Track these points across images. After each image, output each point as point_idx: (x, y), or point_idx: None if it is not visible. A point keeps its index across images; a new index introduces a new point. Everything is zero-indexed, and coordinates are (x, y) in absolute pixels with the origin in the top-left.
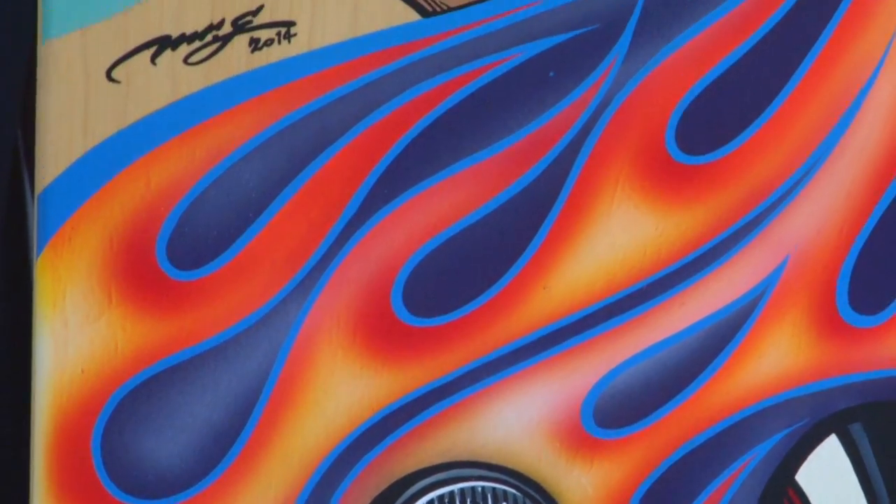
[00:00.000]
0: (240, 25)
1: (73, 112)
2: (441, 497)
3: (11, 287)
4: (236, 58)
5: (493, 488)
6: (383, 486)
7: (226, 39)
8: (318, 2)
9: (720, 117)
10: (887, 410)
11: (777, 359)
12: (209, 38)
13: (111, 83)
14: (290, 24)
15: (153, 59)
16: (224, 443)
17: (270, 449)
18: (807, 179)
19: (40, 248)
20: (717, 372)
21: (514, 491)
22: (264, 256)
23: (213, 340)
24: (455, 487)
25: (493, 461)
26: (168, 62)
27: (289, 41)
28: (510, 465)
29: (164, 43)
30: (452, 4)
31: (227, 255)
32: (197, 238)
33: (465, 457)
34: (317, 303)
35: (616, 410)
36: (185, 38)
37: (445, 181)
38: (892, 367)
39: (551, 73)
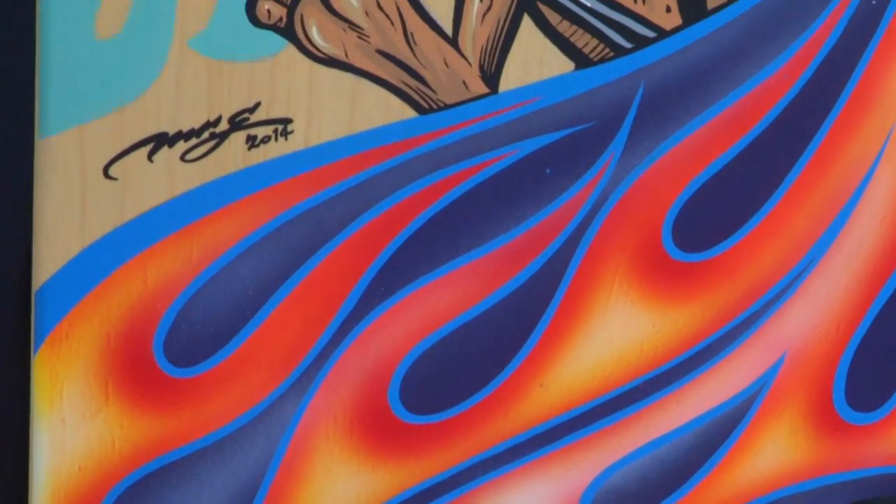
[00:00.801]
0: (237, 122)
1: (70, 209)
2: None
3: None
4: (233, 155)
5: None
6: None
7: (223, 136)
8: (314, 98)
9: (717, 214)
10: None
11: (774, 456)
12: (206, 135)
13: (108, 180)
14: (286, 120)
15: (150, 156)
16: None
17: None
18: (804, 276)
19: (37, 345)
20: (714, 469)
21: None
22: (261, 353)
23: (211, 437)
24: None
25: None
26: (165, 159)
27: (286, 138)
28: None
29: (160, 140)
30: (449, 101)
31: (224, 351)
32: (194, 335)
33: None
34: (314, 400)
35: None
36: (182, 136)
37: (442, 278)
38: (889, 463)
39: (548, 171)
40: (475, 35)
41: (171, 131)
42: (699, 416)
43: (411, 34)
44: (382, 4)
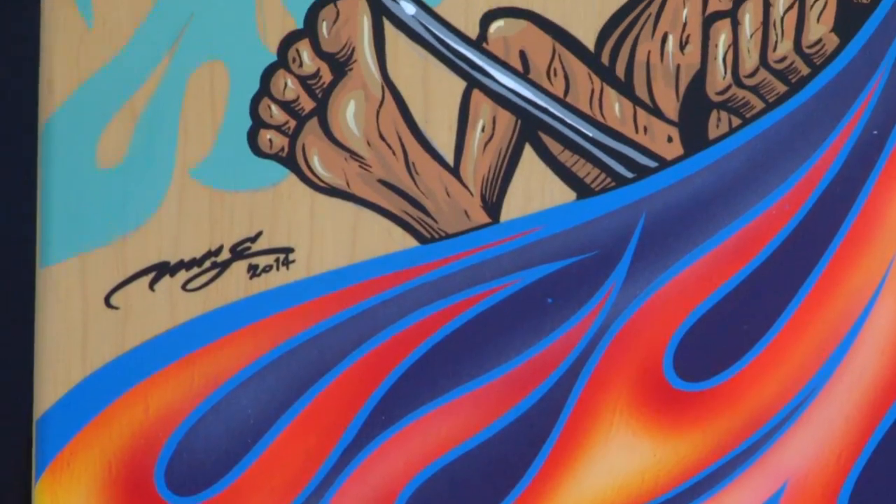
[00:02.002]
0: (238, 252)
1: (72, 338)
2: None
3: None
4: (235, 284)
5: None
6: None
7: (224, 266)
8: (316, 228)
9: (718, 344)
10: None
11: None
12: (207, 264)
13: (109, 309)
14: (288, 250)
15: (151, 285)
16: None
17: None
18: (805, 405)
19: (39, 473)
20: None
21: None
22: (263, 483)
23: None
24: None
25: None
26: (166, 288)
27: (287, 267)
28: None
29: (162, 269)
30: (451, 231)
31: (225, 480)
32: (196, 464)
33: None
34: None
35: None
36: (183, 265)
37: (444, 407)
38: None
39: (549, 300)
40: (477, 165)
41: (173, 260)
42: None
43: (413, 164)
44: (384, 134)
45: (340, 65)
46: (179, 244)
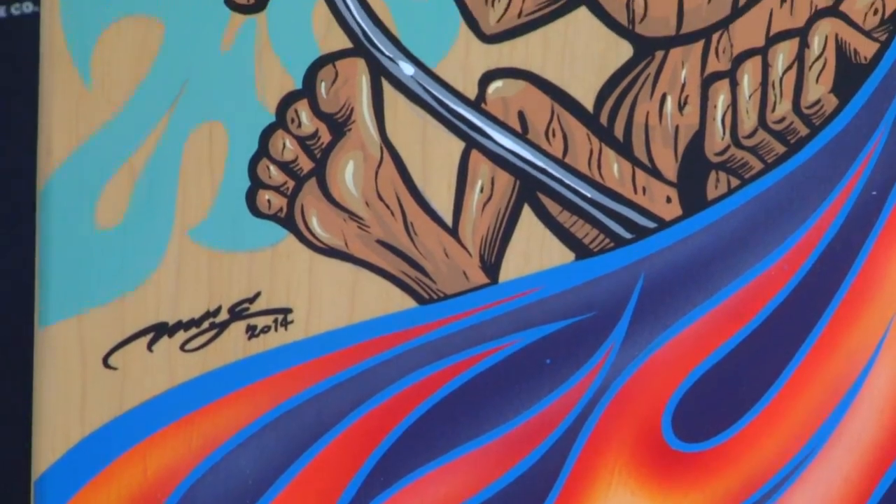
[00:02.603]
0: (237, 312)
1: (70, 398)
2: None
3: None
4: (233, 345)
5: None
6: None
7: (223, 326)
8: (315, 288)
9: (717, 405)
10: None
11: None
12: (206, 325)
13: (108, 369)
14: (286, 310)
15: (150, 346)
16: None
17: None
18: (804, 466)
19: None
20: None
21: None
22: None
23: None
24: None
25: None
26: (165, 349)
27: (285, 328)
28: None
29: (160, 330)
30: (449, 292)
31: None
32: None
33: None
34: None
35: None
36: (181, 325)
37: (442, 468)
38: None
39: (548, 361)
40: (475, 225)
41: (171, 321)
42: None
43: (411, 224)
44: (383, 194)
45: (339, 125)
46: (178, 305)
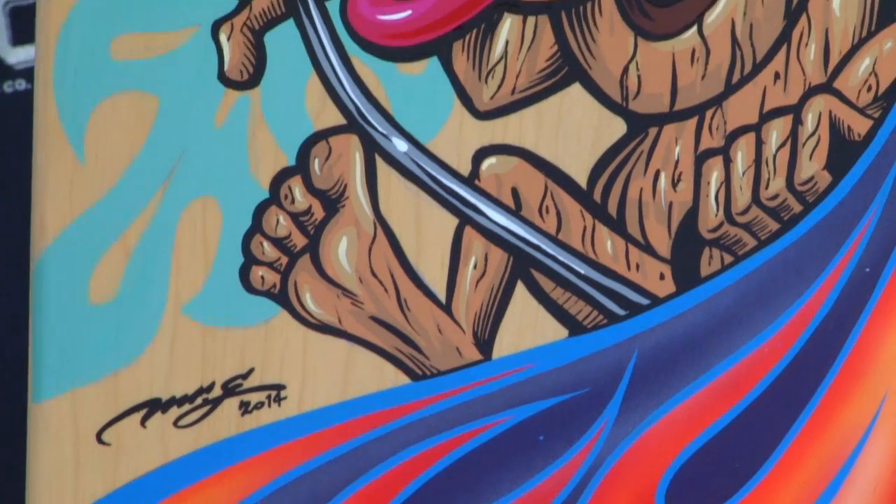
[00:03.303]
0: (230, 388)
1: (63, 474)
2: None
3: None
4: (226, 421)
5: None
6: None
7: (216, 402)
8: (308, 364)
9: (711, 482)
10: None
11: None
12: (199, 401)
13: (101, 445)
14: (280, 387)
15: (143, 421)
16: None
17: None
18: None
19: None
20: None
21: None
22: None
23: None
24: None
25: None
26: (158, 425)
27: (279, 404)
28: None
29: (154, 406)
30: (442, 368)
31: None
32: None
33: None
34: None
35: None
36: (175, 401)
37: None
38: None
39: (541, 437)
40: (469, 302)
41: (165, 397)
42: None
43: (405, 301)
44: (376, 271)
45: (333, 201)
46: (171, 381)
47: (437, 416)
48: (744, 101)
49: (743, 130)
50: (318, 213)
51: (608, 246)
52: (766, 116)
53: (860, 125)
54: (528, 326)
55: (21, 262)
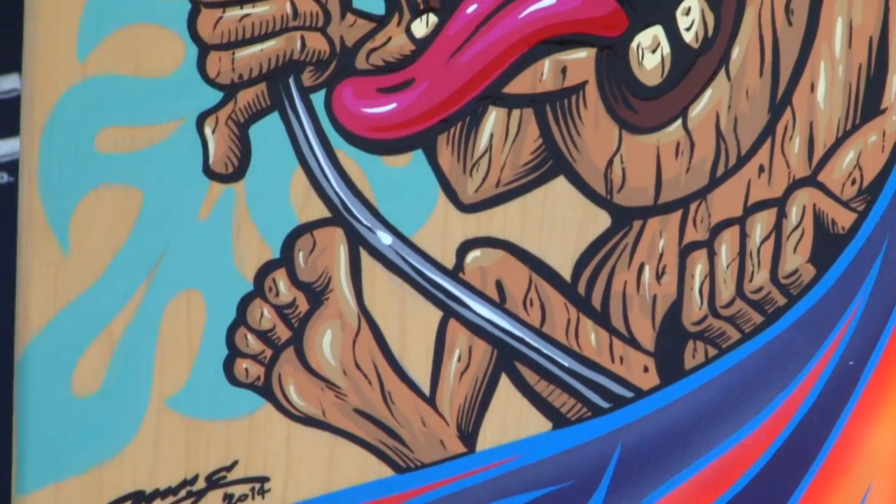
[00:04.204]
0: (213, 481)
1: None
2: None
3: None
4: None
5: None
6: None
7: (200, 495)
8: (292, 457)
9: None
10: None
11: None
12: (183, 493)
13: None
14: (264, 479)
15: None
16: None
17: None
18: None
19: None
20: None
21: None
22: None
23: None
24: None
25: None
26: None
27: (263, 496)
28: None
29: (137, 499)
30: (426, 461)
31: None
32: None
33: None
34: None
35: None
36: (158, 494)
37: None
38: None
39: None
40: (453, 394)
41: (149, 489)
42: None
43: (389, 393)
44: (360, 363)
45: (317, 294)
46: (155, 473)
47: None
48: (728, 194)
49: (727, 223)
50: (303, 305)
51: (592, 339)
52: (751, 209)
53: (844, 218)
54: (512, 419)
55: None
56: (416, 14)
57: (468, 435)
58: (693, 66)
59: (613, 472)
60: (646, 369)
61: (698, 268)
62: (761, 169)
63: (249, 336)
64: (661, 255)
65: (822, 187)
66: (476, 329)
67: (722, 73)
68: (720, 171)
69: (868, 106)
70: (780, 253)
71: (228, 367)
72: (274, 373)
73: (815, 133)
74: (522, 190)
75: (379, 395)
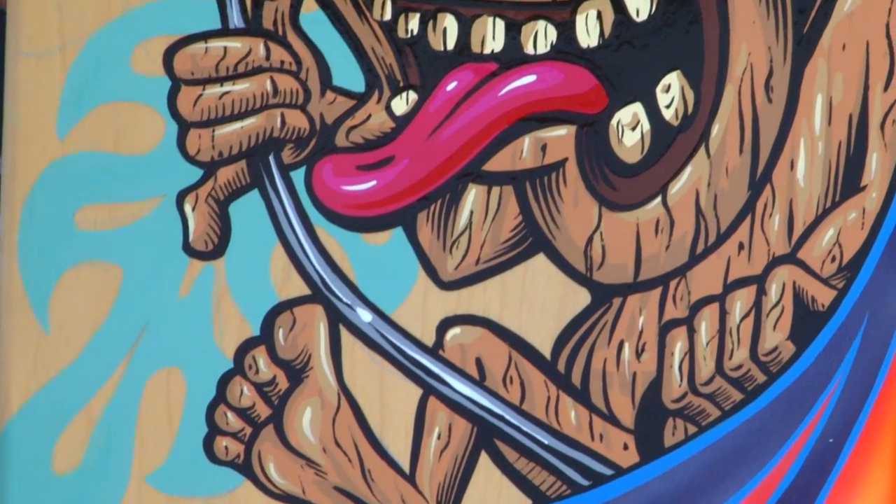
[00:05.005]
0: None
1: None
2: None
3: None
4: None
5: None
6: None
7: None
8: None
9: None
10: None
11: None
12: None
13: None
14: None
15: None
16: None
17: None
18: None
19: None
20: None
21: None
22: None
23: None
24: None
25: None
26: None
27: None
28: None
29: None
30: None
31: None
32: None
33: None
34: None
35: None
36: None
37: None
38: None
39: None
40: (433, 472)
41: None
42: None
43: (369, 471)
44: (340, 441)
45: (297, 372)
46: None
47: None
48: (708, 272)
49: (707, 301)
50: (283, 383)
51: (572, 416)
52: (730, 287)
53: (824, 295)
54: (491, 496)
55: None
56: (397, 91)
57: None
58: (673, 143)
59: None
60: (625, 447)
61: (678, 345)
62: (741, 246)
63: (229, 414)
64: (641, 332)
65: (802, 264)
66: (456, 406)
67: (702, 150)
68: (700, 248)
69: (848, 183)
70: (759, 330)
71: (208, 444)
72: (254, 450)
73: (794, 210)
74: (502, 267)
75: (359, 473)
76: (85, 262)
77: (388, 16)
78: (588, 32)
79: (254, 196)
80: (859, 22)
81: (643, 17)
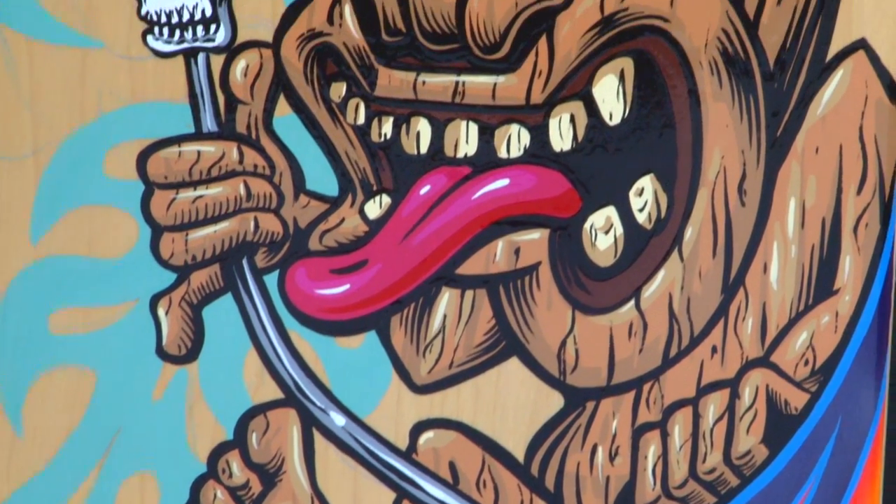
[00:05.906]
0: None
1: None
2: None
3: None
4: None
5: None
6: None
7: None
8: None
9: None
10: None
11: None
12: None
13: None
14: None
15: None
16: None
17: None
18: None
19: None
20: None
21: None
22: None
23: None
24: None
25: None
26: None
27: None
28: None
29: None
30: None
31: None
32: None
33: None
34: None
35: None
36: None
37: None
38: None
39: None
40: None
41: None
42: None
43: None
44: None
45: (270, 476)
46: None
47: None
48: (681, 375)
49: (680, 404)
50: (256, 486)
51: None
52: (704, 390)
53: (797, 399)
54: None
55: None
56: (370, 195)
57: None
58: (646, 246)
59: None
60: None
61: (651, 449)
62: (714, 350)
63: None
64: (615, 436)
65: (776, 368)
66: None
67: (675, 253)
68: (673, 351)
69: (821, 286)
70: (733, 434)
71: None
72: None
73: (768, 313)
74: (475, 371)
75: None
76: (59, 366)
77: (361, 120)
78: (561, 136)
79: (227, 300)
80: (832, 125)
81: (616, 120)
